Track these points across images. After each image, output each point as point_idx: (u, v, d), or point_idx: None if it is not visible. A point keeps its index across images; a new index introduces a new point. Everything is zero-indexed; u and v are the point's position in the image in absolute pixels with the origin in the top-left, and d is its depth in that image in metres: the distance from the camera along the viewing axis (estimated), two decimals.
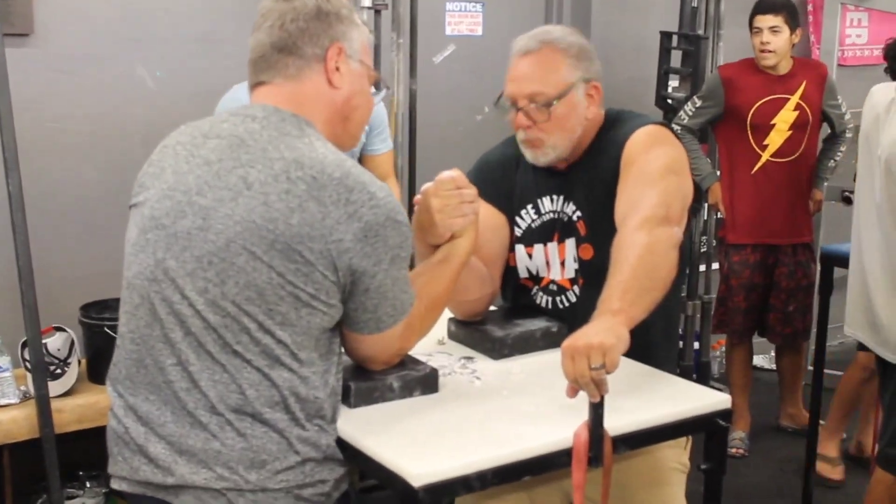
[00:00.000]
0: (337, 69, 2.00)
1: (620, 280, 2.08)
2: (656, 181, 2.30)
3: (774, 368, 5.18)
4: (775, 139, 4.62)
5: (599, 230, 2.40)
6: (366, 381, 2.09)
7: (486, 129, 5.02)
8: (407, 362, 2.17)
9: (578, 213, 2.47)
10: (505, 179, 2.57)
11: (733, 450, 4.69)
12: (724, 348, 5.18)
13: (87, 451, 3.78)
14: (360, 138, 2.17)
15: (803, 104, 4.60)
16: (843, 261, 3.69)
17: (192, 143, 1.99)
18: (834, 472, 4.44)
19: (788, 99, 4.61)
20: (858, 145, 3.24)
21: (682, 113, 4.68)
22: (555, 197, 2.51)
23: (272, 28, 1.98)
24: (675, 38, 4.90)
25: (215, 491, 1.86)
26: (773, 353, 5.51)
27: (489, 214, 2.51)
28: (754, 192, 4.65)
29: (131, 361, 1.96)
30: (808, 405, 4.84)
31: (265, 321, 1.85)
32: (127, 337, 1.98)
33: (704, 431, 2.21)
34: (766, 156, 4.64)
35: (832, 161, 4.82)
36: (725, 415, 2.19)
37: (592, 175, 2.45)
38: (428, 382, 2.16)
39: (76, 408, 3.61)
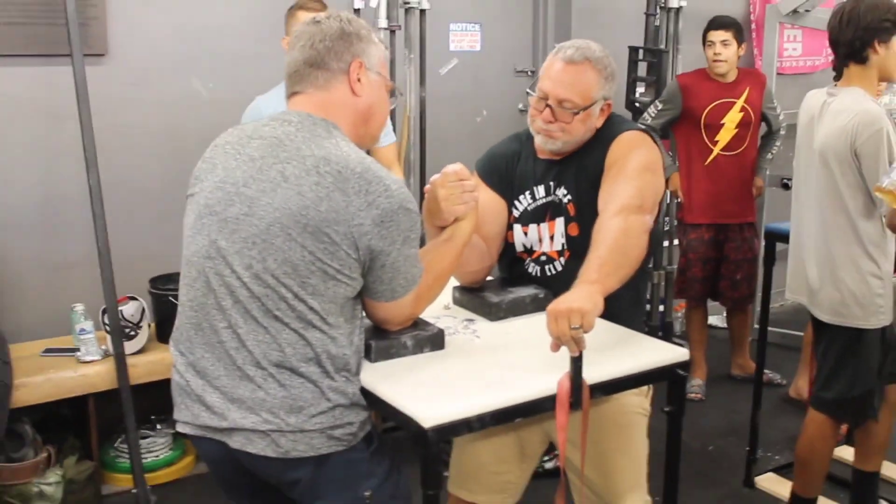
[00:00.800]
0: (358, 80, 1.99)
1: (598, 256, 2.08)
2: (634, 177, 2.29)
3: (726, 327, 5.16)
4: (724, 136, 4.60)
5: (585, 213, 2.39)
6: (384, 340, 2.08)
7: (484, 128, 5.03)
8: (418, 323, 2.17)
9: (569, 197, 2.45)
10: (507, 170, 2.56)
11: (692, 395, 4.67)
12: (684, 311, 5.15)
13: (156, 399, 3.78)
14: (378, 138, 2.16)
15: (747, 107, 4.58)
16: (783, 237, 3.67)
17: (239, 143, 1.99)
18: None
19: (735, 102, 4.58)
20: (797, 140, 3.21)
21: (645, 115, 4.64)
22: (550, 184, 2.49)
23: (304, 47, 1.98)
24: (640, 51, 4.85)
25: (261, 432, 1.86)
26: (724, 315, 5.49)
27: (491, 199, 2.51)
28: (707, 180, 4.63)
29: (190, 325, 1.97)
30: (754, 357, 4.86)
31: (299, 291, 1.85)
32: (186, 305, 1.98)
33: (667, 380, 2.20)
34: (716, 150, 4.61)
35: (770, 154, 4.83)
36: (684, 365, 2.19)
37: (581, 167, 2.43)
38: (436, 341, 2.16)
39: (147, 363, 3.63)
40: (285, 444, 1.86)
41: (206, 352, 1.93)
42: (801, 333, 4.69)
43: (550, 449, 3.75)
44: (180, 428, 2.01)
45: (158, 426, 3.86)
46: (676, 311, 5.34)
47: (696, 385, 4.72)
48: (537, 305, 2.42)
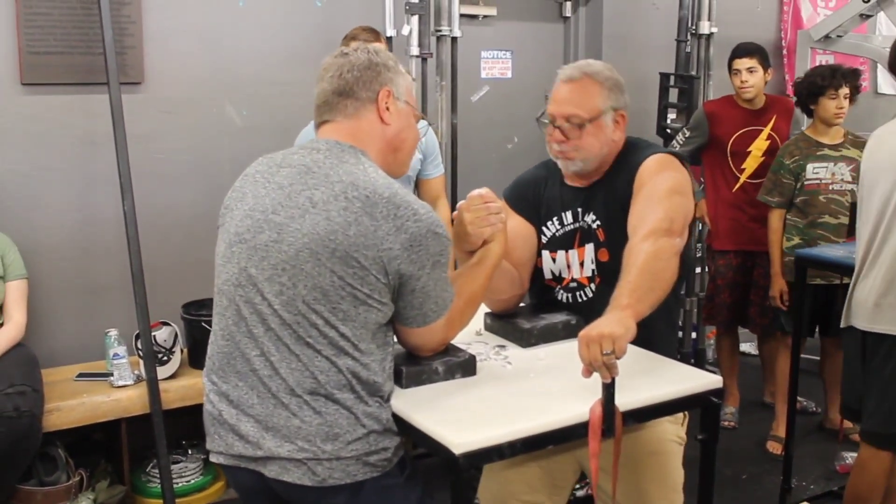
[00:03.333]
0: (387, 109, 2.00)
1: (629, 281, 2.05)
2: (663, 199, 2.27)
3: (758, 354, 5.10)
4: (751, 164, 4.54)
5: (615, 238, 2.37)
6: (415, 366, 2.07)
7: (516, 154, 5.03)
8: (450, 349, 2.15)
9: (598, 223, 2.44)
10: (535, 196, 2.55)
11: (725, 422, 4.61)
12: (715, 338, 5.10)
13: (188, 423, 3.80)
14: (409, 165, 2.16)
15: (774, 134, 4.52)
16: (813, 262, 3.64)
17: (269, 172, 2.00)
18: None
19: (762, 130, 4.53)
20: (869, 167, 3.14)
21: (674, 142, 4.62)
22: (578, 210, 2.48)
23: (333, 78, 2.00)
24: (672, 77, 4.84)
25: (297, 461, 1.85)
26: (755, 342, 5.43)
27: (520, 225, 2.50)
28: (734, 207, 4.58)
29: (222, 355, 1.96)
30: None
31: (330, 318, 1.85)
32: (218, 334, 1.98)
33: (700, 407, 2.17)
34: (743, 178, 4.56)
35: None
36: (718, 393, 2.15)
37: (610, 192, 2.42)
38: (467, 367, 2.14)
39: (179, 388, 3.63)
40: (322, 473, 1.85)
41: (238, 380, 1.93)
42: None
43: (583, 477, 3.75)
44: (214, 458, 2.00)
45: (190, 451, 3.86)
46: (709, 339, 5.28)
47: (728, 413, 4.66)
48: (569, 332, 2.40)
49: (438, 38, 4.13)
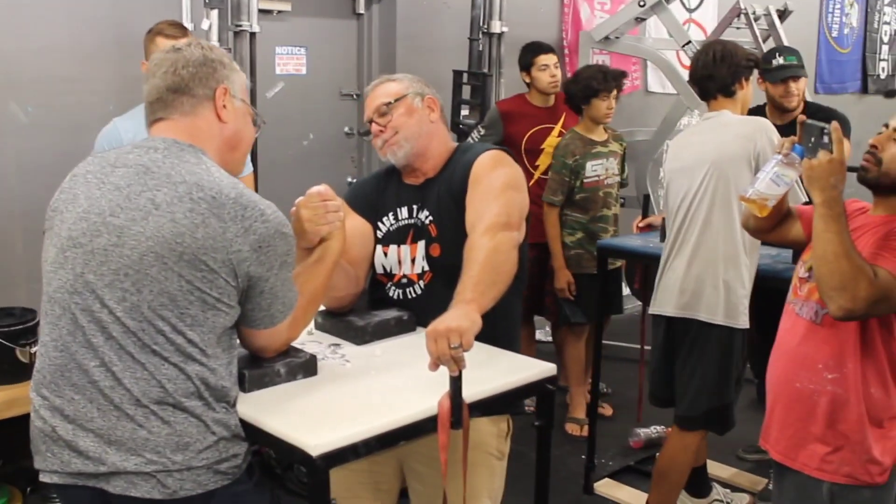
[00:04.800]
0: (224, 107, 1.95)
1: (471, 276, 2.09)
2: (499, 195, 2.34)
3: (550, 341, 5.31)
4: (545, 160, 4.68)
5: (446, 233, 2.43)
6: (257, 369, 2.03)
7: (311, 151, 5.00)
8: (289, 350, 2.12)
9: (430, 218, 2.48)
10: (371, 195, 2.58)
11: (526, 408, 4.76)
12: None
13: None
14: (244, 164, 2.10)
15: (564, 132, 4.70)
16: (615, 252, 3.84)
17: (102, 172, 1.89)
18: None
19: (553, 128, 4.71)
20: (668, 166, 3.41)
21: (469, 139, 4.73)
22: (413, 207, 2.52)
23: (166, 74, 1.91)
24: (465, 75, 4.96)
25: (146, 474, 1.76)
26: (547, 328, 5.65)
27: (357, 224, 2.51)
28: (530, 202, 4.70)
29: (55, 367, 1.83)
30: None
31: (177, 323, 1.78)
32: (50, 345, 1.85)
33: (537, 394, 2.25)
34: (537, 174, 4.69)
35: None
36: (552, 380, 2.25)
37: (443, 188, 2.47)
38: (308, 367, 2.12)
39: None
40: (172, 484, 1.77)
41: (74, 394, 1.81)
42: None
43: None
44: (45, 478, 1.86)
45: None
46: None
47: (528, 399, 4.81)
48: (402, 327, 2.43)
49: (237, 34, 4.04)
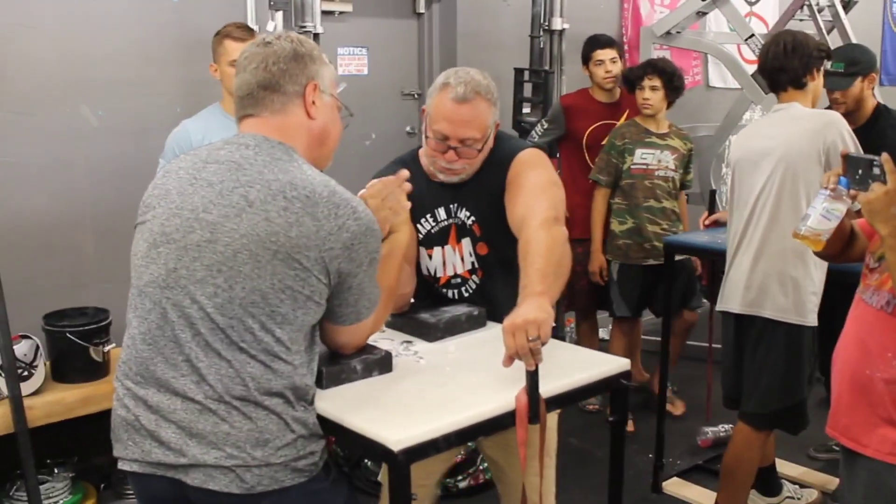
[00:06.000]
0: (313, 103, 1.95)
1: (537, 268, 2.08)
2: (544, 191, 2.34)
3: None
4: None
5: (491, 231, 2.45)
6: (334, 366, 2.04)
7: (373, 151, 5.03)
8: (364, 348, 2.13)
9: (473, 218, 2.49)
10: None
11: (590, 406, 4.76)
12: (574, 324, 5.24)
13: (53, 441, 3.60)
14: (331, 158, 2.11)
15: None
16: (681, 249, 3.80)
17: (194, 168, 1.91)
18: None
19: (616, 123, 4.66)
20: (735, 156, 3.35)
21: (532, 133, 4.71)
22: (450, 207, 2.51)
23: (256, 70, 1.92)
24: (526, 72, 4.94)
25: (225, 468, 1.78)
26: (610, 327, 5.61)
27: None
28: (591, 198, 4.69)
29: (142, 359, 1.86)
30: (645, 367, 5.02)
31: (267, 321, 1.79)
32: (138, 338, 1.87)
33: (611, 390, 2.23)
34: None
35: None
36: (626, 375, 2.22)
37: (481, 188, 2.46)
38: (384, 364, 2.13)
39: (44, 405, 3.40)
40: (250, 480, 1.78)
41: (160, 386, 1.83)
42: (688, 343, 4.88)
43: (466, 467, 3.79)
44: (125, 466, 1.89)
45: (56, 470, 3.64)
46: (567, 325, 5.42)
47: (592, 397, 4.79)
48: (473, 323, 2.43)
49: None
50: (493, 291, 2.49)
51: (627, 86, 4.49)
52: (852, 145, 3.01)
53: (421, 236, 2.54)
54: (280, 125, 1.92)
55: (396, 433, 1.79)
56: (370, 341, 2.18)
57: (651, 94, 4.37)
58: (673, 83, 4.42)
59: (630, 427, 4.51)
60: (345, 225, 1.83)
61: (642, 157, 4.43)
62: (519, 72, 4.95)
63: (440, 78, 2.43)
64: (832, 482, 3.79)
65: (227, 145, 1.92)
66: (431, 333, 2.38)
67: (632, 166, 4.43)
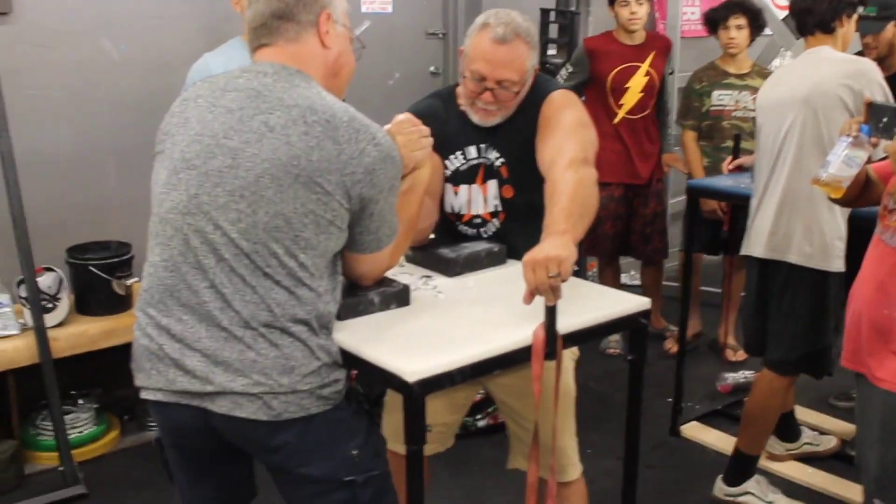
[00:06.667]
0: (327, 32, 1.94)
1: (562, 208, 2.06)
2: (574, 132, 2.32)
3: (635, 284, 5.26)
4: (629, 99, 4.60)
5: (518, 174, 2.43)
6: (351, 297, 2.04)
7: (397, 91, 4.98)
8: (383, 280, 2.13)
9: (501, 160, 2.46)
10: (436, 127, 2.49)
11: (610, 350, 4.76)
12: (596, 269, 5.23)
13: (77, 372, 3.66)
14: (345, 89, 2.09)
15: (652, 71, 4.61)
16: (705, 193, 3.77)
17: (212, 96, 1.90)
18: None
19: (640, 66, 4.60)
20: (763, 102, 3.29)
21: (557, 77, 4.65)
22: (480, 146, 2.49)
23: (269, 0, 1.90)
24: (552, 13, 4.87)
25: (252, 395, 1.78)
26: (631, 273, 5.61)
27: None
28: (615, 141, 4.63)
29: (164, 287, 1.86)
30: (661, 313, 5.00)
31: (291, 246, 1.79)
32: (160, 266, 1.87)
33: (630, 328, 2.22)
34: (622, 113, 4.62)
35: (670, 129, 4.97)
36: (646, 314, 2.21)
37: (513, 129, 2.44)
38: (402, 297, 2.13)
39: (68, 336, 3.47)
40: (278, 407, 1.79)
41: (183, 314, 1.83)
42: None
43: (484, 406, 3.80)
44: (147, 395, 1.90)
45: (80, 401, 3.70)
46: (589, 270, 5.40)
47: (613, 341, 4.80)
48: (493, 259, 2.43)
49: None
50: (513, 236, 2.46)
51: (709, 26, 4.60)
52: (881, 96, 2.95)
53: (448, 172, 2.52)
54: (295, 53, 1.91)
55: (412, 364, 1.79)
56: (389, 275, 2.18)
57: (737, 33, 4.51)
58: (758, 21, 4.54)
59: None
60: (365, 150, 1.82)
61: (719, 98, 4.57)
62: (545, 12, 4.87)
63: (480, 18, 2.40)
64: (851, 430, 3.78)
65: (246, 73, 1.90)
66: (451, 268, 2.37)
67: (710, 108, 4.57)
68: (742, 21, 4.47)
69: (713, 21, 4.56)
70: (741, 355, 4.59)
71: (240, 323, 1.79)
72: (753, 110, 4.28)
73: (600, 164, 4.56)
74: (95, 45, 3.89)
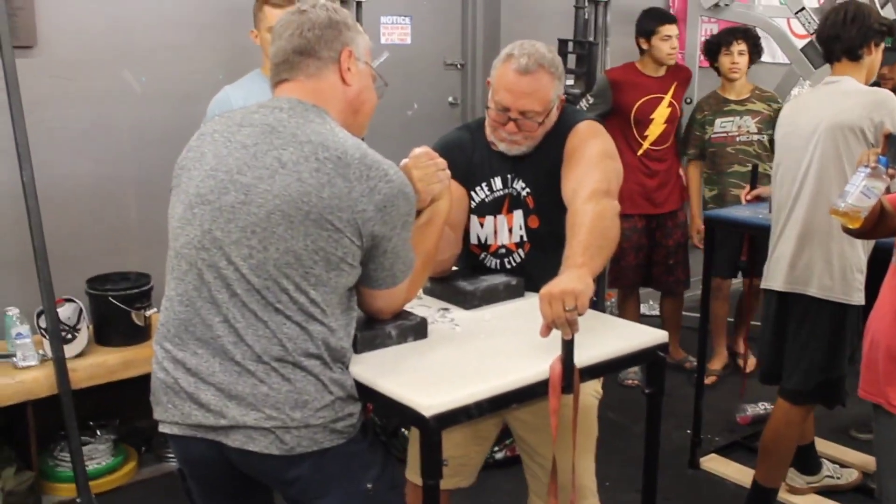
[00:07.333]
0: (348, 69, 1.95)
1: (580, 241, 2.07)
2: (598, 163, 2.33)
3: (654, 314, 5.23)
4: (654, 131, 4.66)
5: (544, 205, 2.44)
6: (369, 331, 2.04)
7: (415, 122, 5.01)
8: (400, 314, 2.13)
9: (528, 190, 2.47)
10: (462, 160, 2.53)
11: (629, 381, 4.73)
12: (616, 299, 5.20)
13: (95, 404, 3.67)
14: (366, 127, 2.11)
15: (674, 102, 4.67)
16: (722, 224, 3.76)
17: (228, 131, 1.92)
18: None
19: (663, 98, 4.65)
20: (783, 131, 3.29)
21: (578, 107, 4.67)
22: (507, 177, 2.50)
23: (292, 36, 1.93)
24: (570, 44, 4.88)
25: (264, 429, 1.79)
26: (651, 303, 5.59)
27: (453, 186, 2.47)
28: (639, 172, 4.66)
29: (179, 321, 1.88)
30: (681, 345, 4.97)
31: (301, 282, 1.80)
32: (175, 300, 1.89)
33: (648, 362, 2.21)
34: (646, 144, 4.67)
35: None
36: (664, 347, 2.20)
37: (539, 160, 2.45)
38: (419, 330, 2.13)
39: (87, 367, 3.48)
40: (290, 441, 1.80)
41: (198, 348, 1.85)
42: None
43: (502, 438, 3.78)
44: (165, 428, 1.92)
45: (99, 432, 3.71)
46: (607, 300, 5.39)
47: (632, 372, 4.78)
48: (511, 292, 2.42)
49: (343, 3, 4.06)
50: (538, 267, 2.43)
51: (710, 54, 4.75)
52: None
53: (474, 204, 2.53)
54: (314, 89, 1.93)
55: (429, 398, 1.79)
56: (406, 307, 2.18)
57: (740, 58, 4.66)
58: (757, 46, 4.72)
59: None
60: (377, 187, 1.83)
61: (722, 125, 4.69)
62: (563, 43, 4.87)
63: (505, 49, 2.42)
64: (872, 462, 3.73)
65: (262, 108, 1.92)
66: (468, 301, 2.37)
67: (712, 136, 4.68)
68: (743, 47, 4.64)
69: (715, 46, 4.68)
70: (752, 363, 4.58)
71: (252, 357, 1.80)
72: (757, 132, 4.58)
73: (623, 197, 4.64)
74: (117, 76, 3.93)
